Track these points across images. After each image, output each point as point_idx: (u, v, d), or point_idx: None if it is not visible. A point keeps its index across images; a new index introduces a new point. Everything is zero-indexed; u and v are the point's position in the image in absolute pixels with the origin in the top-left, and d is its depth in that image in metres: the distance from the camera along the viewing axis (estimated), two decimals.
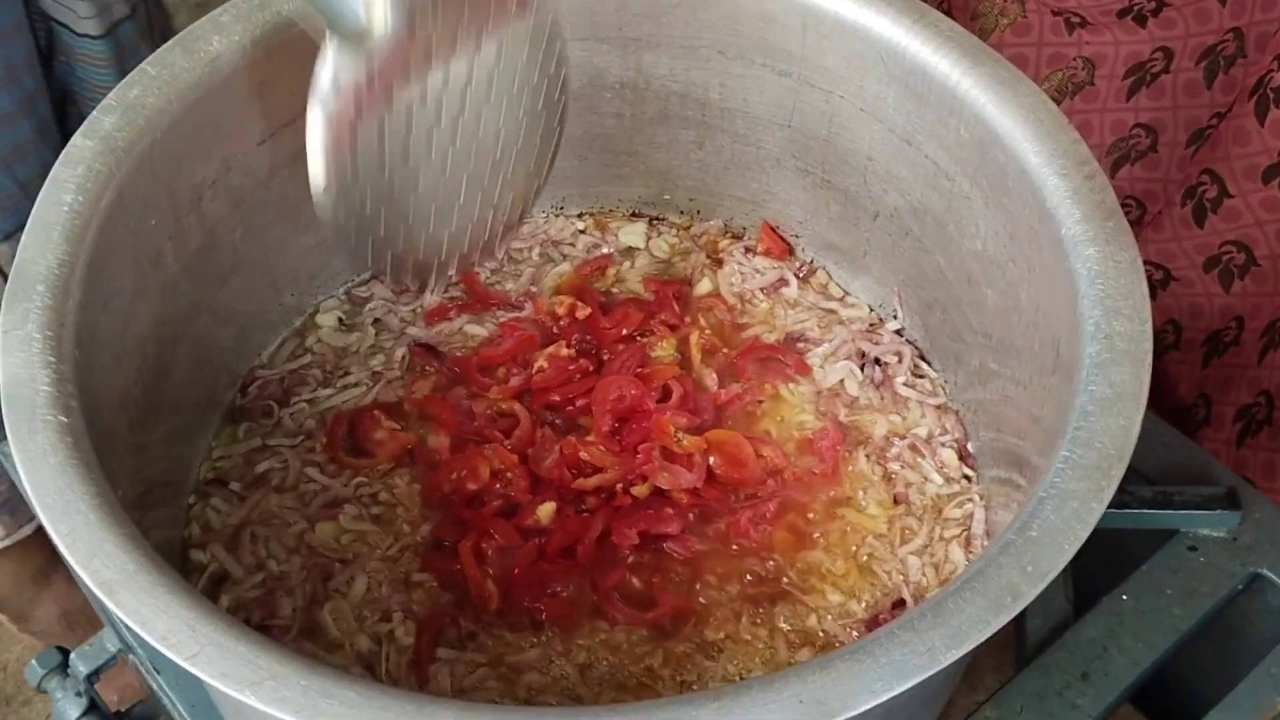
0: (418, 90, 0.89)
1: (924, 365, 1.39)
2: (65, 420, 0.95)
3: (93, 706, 1.36)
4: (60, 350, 0.99)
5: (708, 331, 1.40)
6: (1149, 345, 1.00)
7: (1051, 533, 0.91)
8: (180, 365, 1.24)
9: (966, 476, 1.30)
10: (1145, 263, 1.06)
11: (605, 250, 1.50)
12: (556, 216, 1.53)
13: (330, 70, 0.88)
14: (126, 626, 1.20)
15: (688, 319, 1.41)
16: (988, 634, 0.87)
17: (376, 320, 1.43)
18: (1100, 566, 1.15)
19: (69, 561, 0.88)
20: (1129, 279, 1.04)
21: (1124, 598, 1.24)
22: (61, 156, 1.08)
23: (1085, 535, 0.91)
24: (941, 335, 1.36)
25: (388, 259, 1.02)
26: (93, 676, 1.37)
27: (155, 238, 1.16)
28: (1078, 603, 1.26)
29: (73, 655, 1.36)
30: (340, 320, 1.43)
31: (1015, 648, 1.27)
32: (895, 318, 1.42)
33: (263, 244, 1.32)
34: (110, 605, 0.86)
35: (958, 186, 1.23)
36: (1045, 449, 1.05)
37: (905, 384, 1.36)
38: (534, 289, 1.46)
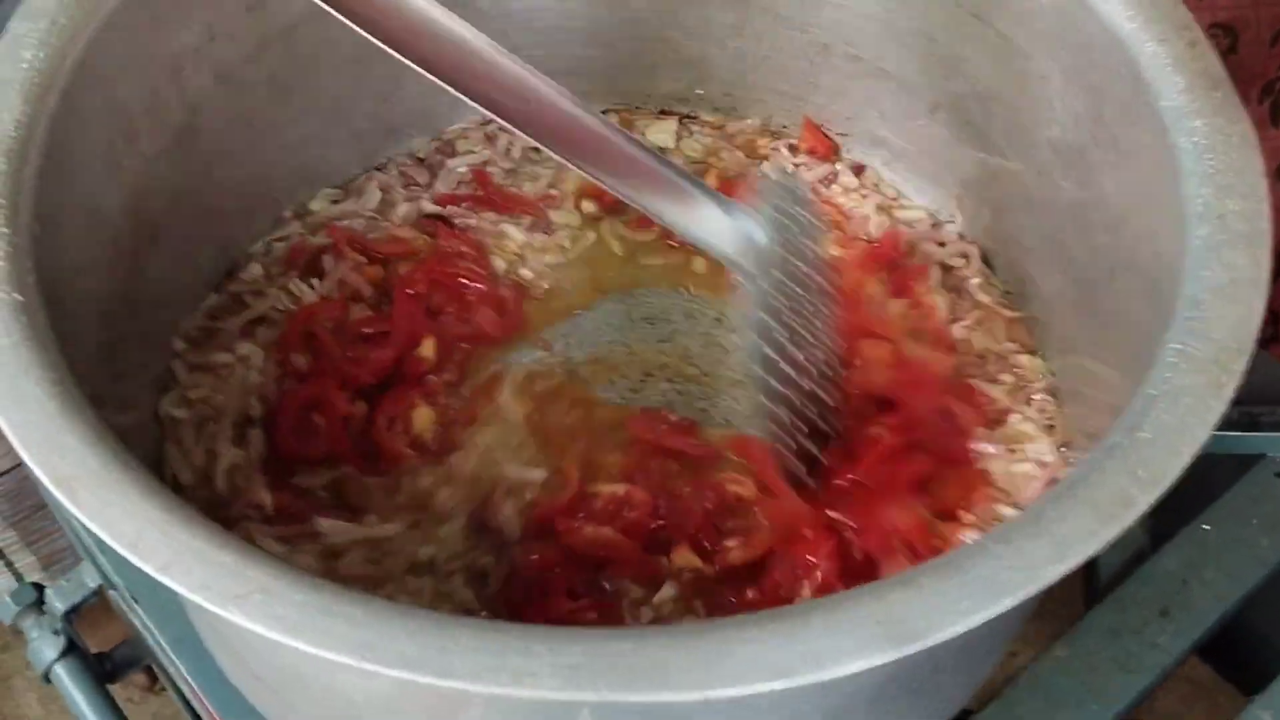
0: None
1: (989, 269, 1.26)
2: (20, 298, 0.82)
3: (71, 647, 1.24)
4: (15, 221, 0.86)
5: None
6: (1268, 225, 0.87)
7: (1165, 433, 0.78)
8: (158, 260, 1.11)
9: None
10: None
11: None
12: None
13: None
14: (100, 545, 1.08)
15: None
16: (1096, 548, 0.74)
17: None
18: (1177, 494, 1.04)
19: (22, 456, 0.76)
20: (1241, 153, 0.91)
21: (1205, 527, 1.13)
22: (20, 8, 0.95)
23: (1205, 437, 0.79)
24: (1005, 238, 1.23)
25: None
26: (71, 614, 1.25)
27: (129, 109, 1.04)
28: (1154, 533, 1.14)
29: (49, 591, 1.24)
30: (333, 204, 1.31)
31: (1084, 582, 1.16)
32: (953, 222, 1.29)
33: (250, 130, 1.19)
34: (69, 505, 0.74)
35: (1034, 65, 1.10)
36: (1140, 350, 0.93)
37: (979, 286, 1.24)
38: (553, 191, 1.32)
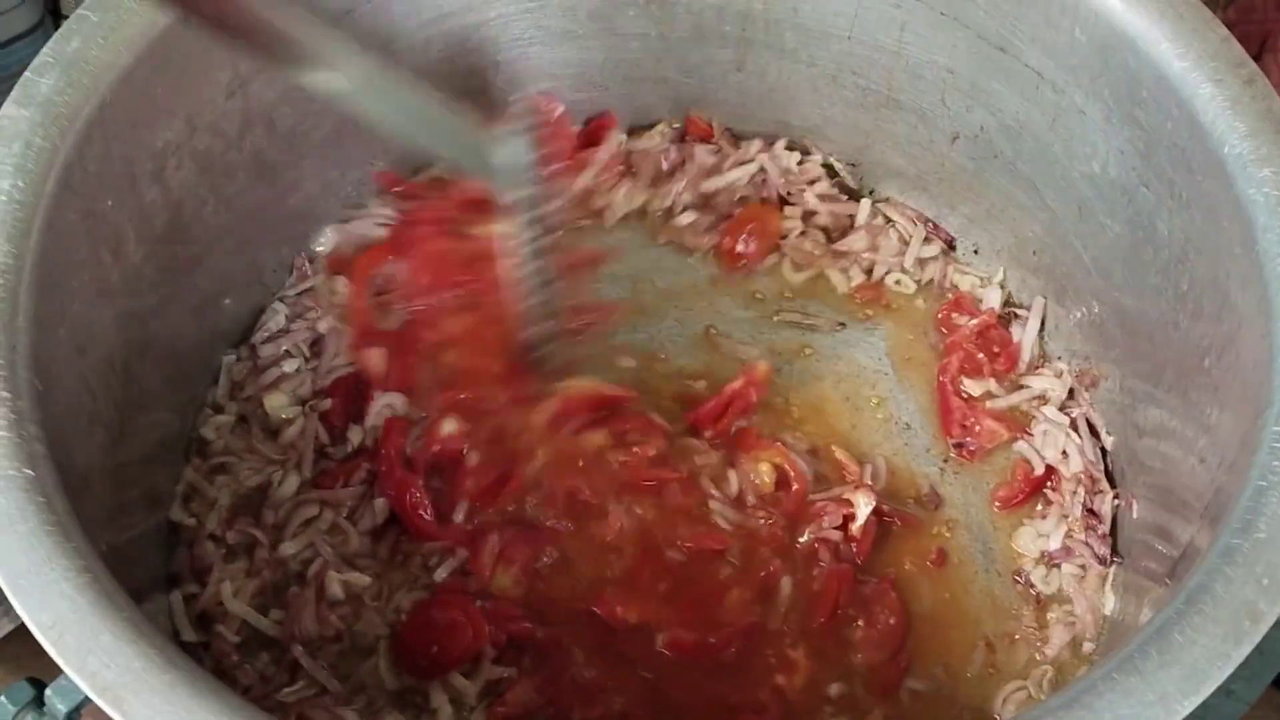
0: None
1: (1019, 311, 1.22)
2: (30, 473, 0.75)
3: None
4: (14, 383, 0.78)
5: None
6: None
7: None
8: (153, 368, 1.04)
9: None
10: None
11: None
12: None
13: None
14: None
15: None
16: (1228, 670, 0.70)
17: None
18: None
19: (59, 663, 0.69)
20: None
21: None
22: None
23: None
24: (1037, 273, 1.18)
25: None
26: (73, 715, 1.17)
27: (115, 220, 0.96)
28: None
29: (49, 690, 1.16)
30: None
31: None
32: (976, 253, 1.24)
33: (236, 214, 1.11)
34: (118, 717, 0.67)
35: (1068, 99, 1.04)
36: (1222, 416, 0.89)
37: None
38: None
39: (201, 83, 1.02)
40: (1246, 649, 0.70)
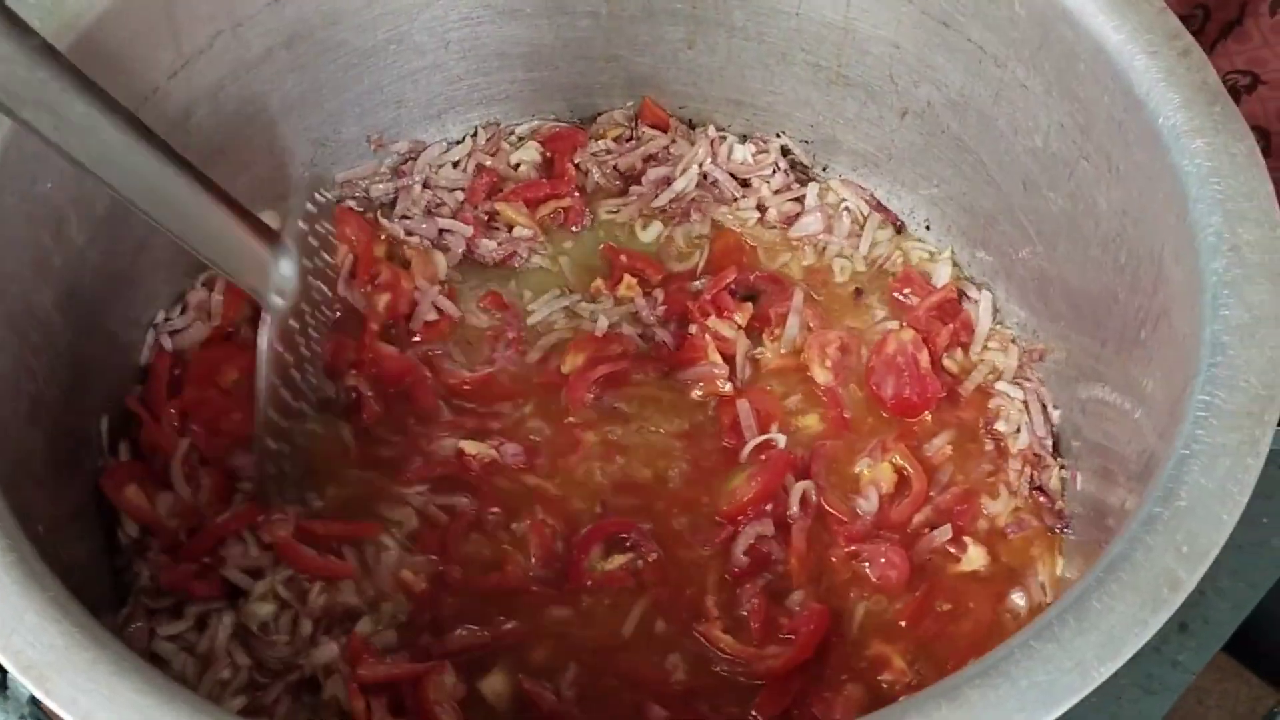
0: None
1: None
2: None
3: None
4: None
5: None
6: None
7: (1205, 500, 0.74)
8: (100, 355, 1.04)
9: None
10: (1232, 71, 0.88)
11: None
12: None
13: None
14: None
15: None
16: (1145, 637, 0.71)
17: None
18: None
19: None
20: (1249, 174, 0.86)
21: None
22: None
23: (1244, 500, 0.75)
24: (987, 247, 1.18)
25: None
26: (36, 698, 1.17)
27: (55, 203, 0.96)
28: None
29: (10, 674, 1.17)
30: None
31: None
32: (927, 229, 1.24)
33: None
34: (41, 696, 0.67)
35: (1010, 73, 1.04)
36: (1153, 386, 0.89)
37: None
38: None
39: (144, 63, 1.01)
40: (1164, 616, 0.71)
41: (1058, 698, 0.67)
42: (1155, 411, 0.87)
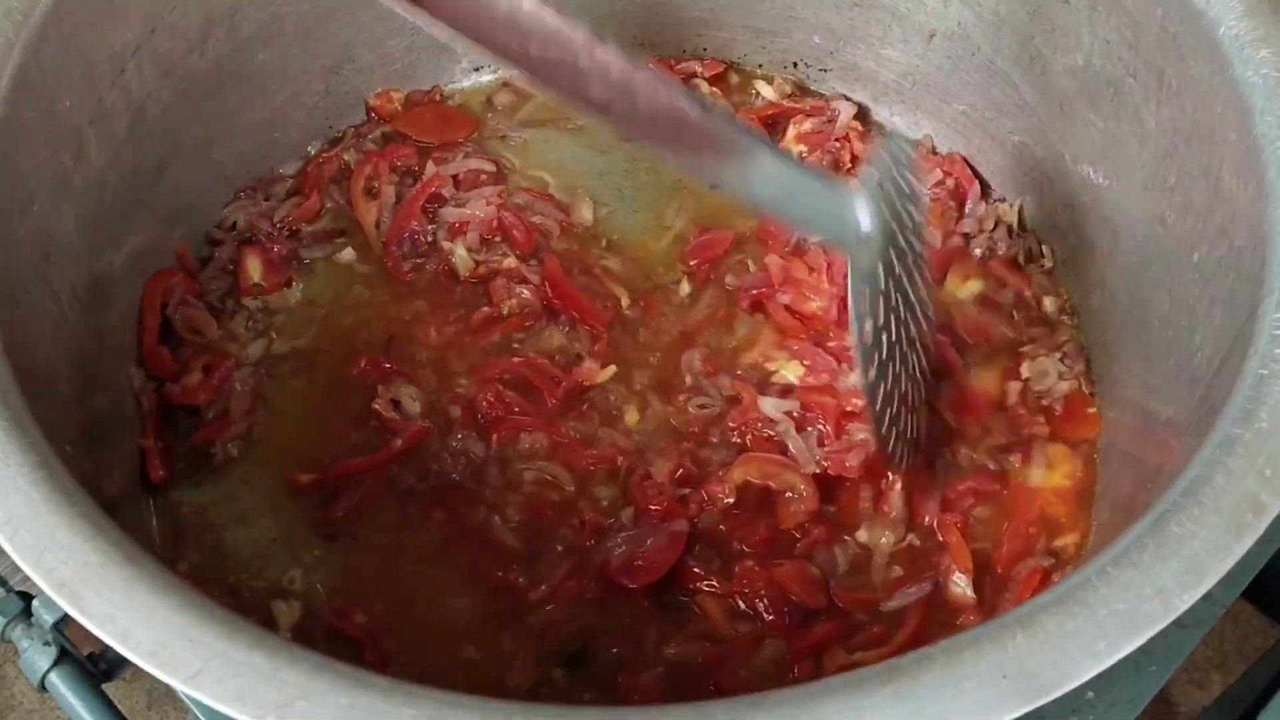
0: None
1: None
2: None
3: (64, 654, 1.12)
4: None
5: None
6: None
7: None
8: (122, 277, 1.00)
9: None
10: None
11: None
12: None
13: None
14: None
15: None
16: (1229, 564, 0.66)
17: None
18: None
19: (15, 559, 0.64)
20: None
21: None
22: None
23: None
24: (1014, 176, 1.13)
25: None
26: (60, 623, 1.13)
27: (74, 122, 0.91)
28: None
29: (35, 601, 1.12)
30: None
31: None
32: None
33: (201, 121, 1.07)
34: (77, 615, 0.62)
35: None
36: (1213, 310, 0.85)
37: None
38: None
39: None
40: (1249, 541, 0.66)
41: (1139, 627, 0.63)
42: (1213, 337, 0.83)
